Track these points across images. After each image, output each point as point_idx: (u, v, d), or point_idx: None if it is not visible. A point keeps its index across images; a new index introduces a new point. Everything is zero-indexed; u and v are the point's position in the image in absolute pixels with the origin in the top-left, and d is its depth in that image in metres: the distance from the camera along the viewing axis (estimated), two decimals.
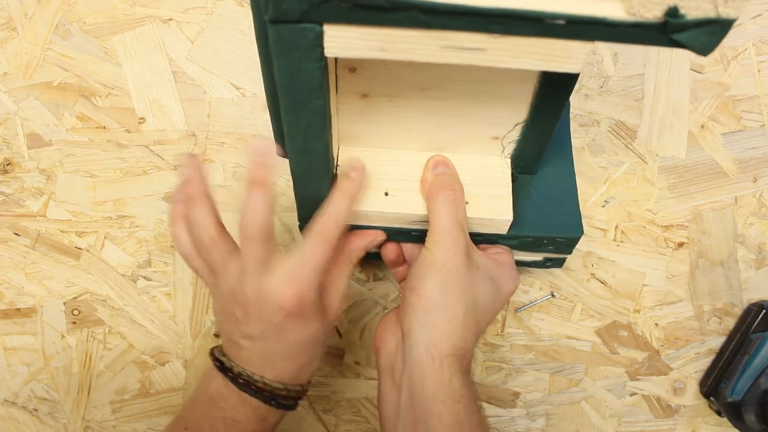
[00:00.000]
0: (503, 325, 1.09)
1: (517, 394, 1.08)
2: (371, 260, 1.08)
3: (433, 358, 0.75)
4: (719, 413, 1.07)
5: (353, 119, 0.81)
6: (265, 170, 0.72)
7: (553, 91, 0.74)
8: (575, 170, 0.92)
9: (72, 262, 1.10)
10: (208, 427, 0.81)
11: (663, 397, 1.09)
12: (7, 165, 1.13)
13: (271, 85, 0.72)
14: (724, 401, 1.04)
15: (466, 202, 0.82)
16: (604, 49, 1.22)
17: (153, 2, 1.21)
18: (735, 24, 0.49)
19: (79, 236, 1.10)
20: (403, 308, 0.81)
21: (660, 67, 1.20)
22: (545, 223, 0.88)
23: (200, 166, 0.81)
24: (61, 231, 1.11)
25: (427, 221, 0.80)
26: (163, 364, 1.07)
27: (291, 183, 0.80)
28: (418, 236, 0.84)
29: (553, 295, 1.10)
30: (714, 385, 1.07)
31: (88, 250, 1.10)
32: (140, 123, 1.14)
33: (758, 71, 1.20)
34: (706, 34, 0.50)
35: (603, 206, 1.13)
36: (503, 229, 0.86)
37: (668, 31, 0.50)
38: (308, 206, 0.81)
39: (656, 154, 1.16)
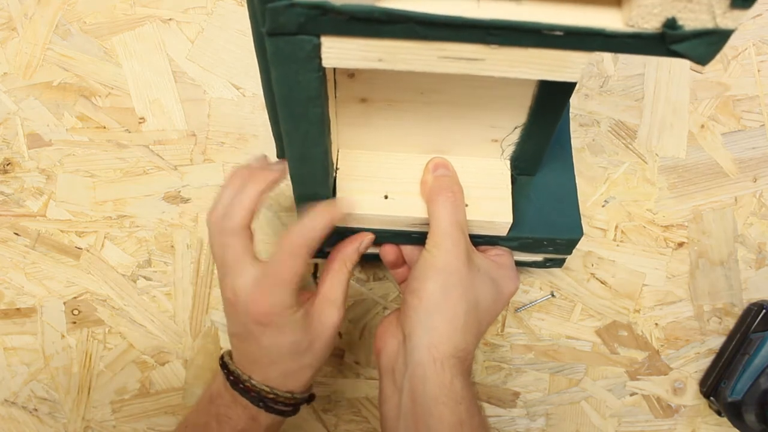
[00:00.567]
0: (503, 325, 1.09)
1: (517, 394, 1.08)
2: (371, 261, 1.08)
3: (434, 360, 0.75)
4: (719, 413, 1.07)
5: (353, 123, 0.81)
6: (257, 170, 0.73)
7: (553, 95, 0.74)
8: (575, 170, 0.92)
9: (72, 262, 1.10)
10: (203, 423, 0.82)
11: (663, 397, 1.09)
12: (7, 165, 1.13)
13: (270, 93, 0.72)
14: (724, 401, 1.04)
15: (466, 205, 0.82)
16: None
17: (153, 2, 1.21)
18: None
19: (79, 236, 1.10)
20: (403, 310, 0.81)
21: (660, 67, 1.20)
22: (545, 224, 0.88)
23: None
24: (61, 231, 1.11)
25: (428, 224, 0.80)
26: (163, 364, 1.07)
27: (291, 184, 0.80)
28: (419, 239, 0.84)
29: (553, 295, 1.10)
30: (714, 385, 1.07)
31: (88, 250, 1.10)
32: (140, 123, 1.14)
33: (758, 71, 1.20)
34: (705, 45, 0.50)
35: (603, 206, 1.13)
36: (503, 231, 0.86)
37: (666, 41, 0.50)
38: None
39: (656, 154, 1.16)
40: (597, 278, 1.11)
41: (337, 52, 0.55)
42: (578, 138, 1.15)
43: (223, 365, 0.84)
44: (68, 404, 1.06)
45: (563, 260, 0.96)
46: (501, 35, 0.52)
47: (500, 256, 0.88)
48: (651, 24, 0.49)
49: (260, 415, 0.82)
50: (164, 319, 1.08)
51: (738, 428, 1.06)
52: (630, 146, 1.16)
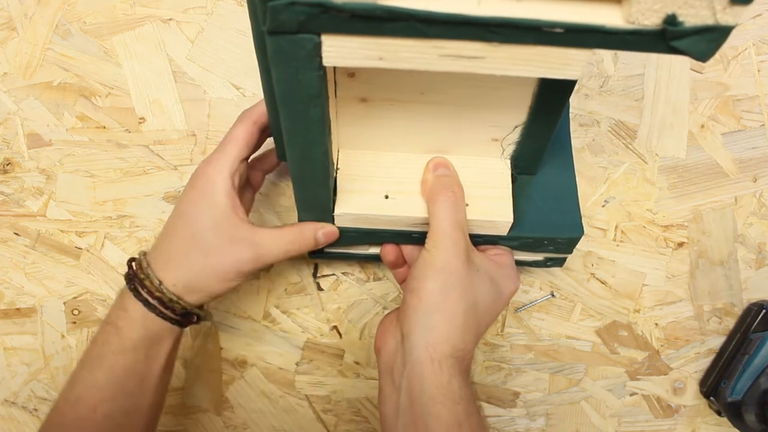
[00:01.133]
0: (503, 325, 1.10)
1: (517, 394, 1.08)
2: (371, 261, 1.09)
3: (432, 360, 0.75)
4: (719, 413, 1.08)
5: (353, 123, 0.81)
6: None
7: (553, 94, 0.74)
8: (575, 170, 0.92)
9: (72, 262, 1.10)
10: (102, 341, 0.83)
11: (663, 397, 1.09)
12: (7, 165, 1.13)
13: (270, 93, 0.72)
14: (724, 401, 1.04)
15: (467, 204, 0.82)
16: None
17: (153, 2, 1.21)
18: None
19: (79, 236, 1.10)
20: (403, 309, 0.81)
21: (660, 67, 1.20)
22: (545, 223, 0.88)
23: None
24: (61, 231, 1.11)
25: (428, 223, 0.80)
26: None
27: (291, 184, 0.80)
28: (419, 238, 0.85)
29: (553, 295, 1.10)
30: (714, 385, 1.07)
31: (88, 250, 1.10)
32: (140, 123, 1.14)
33: (758, 71, 1.20)
34: (705, 41, 0.50)
35: (603, 206, 1.13)
36: (504, 231, 0.86)
37: (667, 38, 0.50)
38: (309, 210, 0.81)
39: (656, 154, 1.16)
40: (597, 278, 1.11)
41: (338, 50, 0.55)
42: (578, 138, 1.15)
43: (130, 261, 0.85)
44: None
45: (564, 259, 0.96)
46: (501, 32, 0.52)
47: (500, 255, 0.88)
48: (651, 20, 0.49)
49: (148, 321, 0.81)
50: None
51: (738, 428, 1.06)
52: (630, 146, 1.16)
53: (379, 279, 1.09)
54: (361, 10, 0.50)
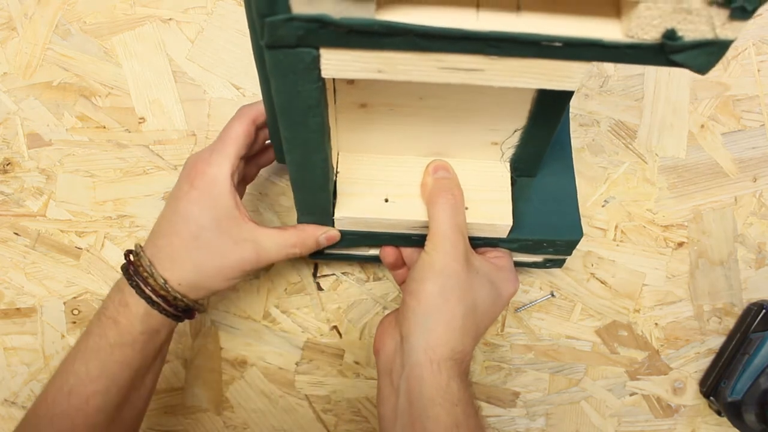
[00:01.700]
0: (503, 325, 1.10)
1: (517, 394, 1.08)
2: (371, 262, 1.09)
3: (431, 362, 0.75)
4: (719, 413, 1.08)
5: (352, 128, 0.81)
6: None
7: (553, 99, 0.74)
8: (575, 170, 0.92)
9: (72, 262, 1.10)
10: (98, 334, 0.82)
11: (663, 397, 1.09)
12: (7, 165, 1.13)
13: (270, 101, 0.72)
14: (724, 401, 1.04)
15: (466, 207, 0.83)
16: None
17: (153, 2, 1.21)
18: None
19: (79, 236, 1.10)
20: (402, 311, 0.81)
21: (660, 68, 1.20)
22: (545, 225, 0.88)
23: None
24: (61, 231, 1.11)
25: (428, 226, 0.80)
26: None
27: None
28: (419, 241, 0.85)
29: (553, 295, 1.10)
30: (714, 385, 1.07)
31: (88, 250, 1.10)
32: (140, 123, 1.14)
33: (758, 71, 1.19)
34: (704, 55, 0.50)
35: (603, 206, 1.13)
36: (503, 234, 0.86)
37: (666, 52, 0.50)
38: (309, 215, 0.81)
39: (656, 154, 1.16)
40: (597, 278, 1.11)
41: (336, 63, 0.55)
42: (578, 138, 1.15)
43: (127, 254, 0.84)
44: None
45: (563, 261, 0.96)
46: (500, 46, 0.52)
47: (499, 258, 0.88)
48: (650, 35, 0.49)
49: (150, 317, 0.81)
50: None
51: (738, 428, 1.06)
52: (630, 146, 1.16)
53: (379, 279, 1.09)
54: (359, 25, 0.50)
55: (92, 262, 1.10)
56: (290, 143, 0.69)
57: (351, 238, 0.86)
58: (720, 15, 0.46)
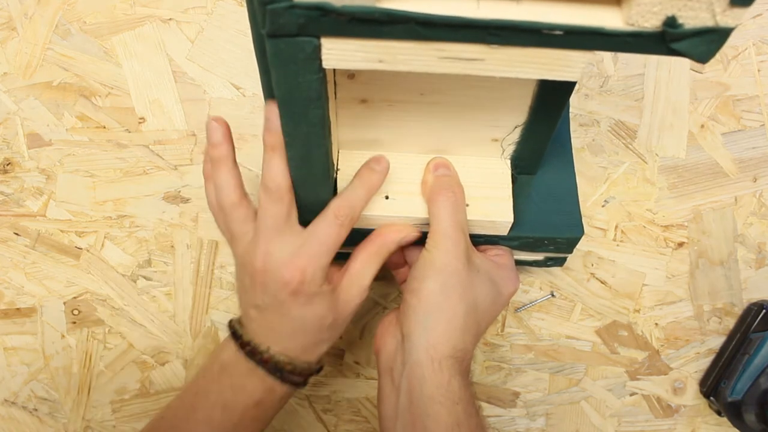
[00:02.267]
0: (503, 325, 1.10)
1: (517, 394, 1.08)
2: None
3: (432, 360, 0.75)
4: (719, 413, 1.07)
5: (353, 124, 0.81)
6: (279, 135, 0.72)
7: (553, 94, 0.74)
8: (575, 170, 0.92)
9: (72, 262, 1.10)
10: (217, 392, 0.83)
11: (663, 397, 1.09)
12: (7, 165, 1.13)
13: (270, 95, 0.72)
14: (724, 401, 1.04)
15: (467, 205, 0.82)
16: None
17: (153, 2, 1.21)
18: None
19: (79, 236, 1.11)
20: (403, 310, 0.81)
21: (660, 67, 1.20)
22: (545, 223, 0.88)
23: (226, 129, 0.81)
24: (61, 231, 1.11)
25: (429, 224, 0.80)
26: (163, 364, 1.07)
27: None
28: (419, 239, 0.84)
29: (553, 295, 1.10)
30: (714, 385, 1.07)
31: (88, 250, 1.10)
32: (140, 123, 1.14)
33: (758, 71, 1.20)
34: (705, 43, 0.50)
35: (603, 206, 1.13)
36: (504, 231, 0.86)
37: (666, 40, 0.50)
38: (309, 211, 0.81)
39: (656, 154, 1.16)
40: (597, 278, 1.11)
41: (338, 53, 0.55)
42: (578, 138, 1.15)
43: (235, 334, 0.85)
44: (68, 404, 1.06)
45: (564, 259, 0.96)
46: (501, 35, 0.52)
47: (500, 256, 0.88)
48: (651, 22, 0.49)
49: (277, 385, 0.82)
50: (164, 319, 1.08)
51: (738, 428, 1.06)
52: (630, 146, 1.16)
53: (379, 279, 1.09)
54: (360, 13, 0.50)
55: (92, 262, 1.10)
56: (291, 137, 0.69)
57: (352, 236, 0.86)
58: (720, 2, 0.46)
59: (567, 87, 0.72)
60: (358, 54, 0.55)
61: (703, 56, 0.51)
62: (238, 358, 0.83)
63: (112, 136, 1.14)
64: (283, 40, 0.53)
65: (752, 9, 1.21)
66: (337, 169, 0.85)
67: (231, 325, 0.86)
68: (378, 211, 0.83)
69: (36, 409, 1.06)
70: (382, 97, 0.76)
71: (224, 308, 1.09)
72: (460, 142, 0.84)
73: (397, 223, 0.85)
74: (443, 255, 0.77)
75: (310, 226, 0.79)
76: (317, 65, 0.57)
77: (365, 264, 0.84)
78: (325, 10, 0.49)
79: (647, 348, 1.10)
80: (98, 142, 1.14)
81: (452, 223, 0.78)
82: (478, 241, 0.88)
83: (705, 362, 1.10)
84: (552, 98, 0.74)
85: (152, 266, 1.10)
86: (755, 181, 1.15)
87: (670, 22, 0.48)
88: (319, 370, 0.89)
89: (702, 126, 1.17)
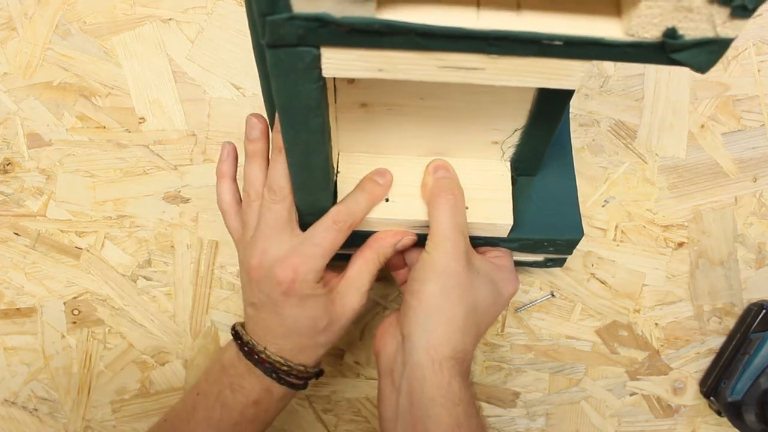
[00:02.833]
0: (503, 325, 1.10)
1: (517, 394, 1.08)
2: None
3: (432, 361, 0.75)
4: (719, 413, 1.08)
5: (353, 128, 0.81)
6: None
7: (553, 98, 0.74)
8: (575, 170, 0.92)
9: (72, 262, 1.10)
10: (216, 392, 0.84)
11: (663, 397, 1.09)
12: (7, 165, 1.13)
13: (270, 101, 0.72)
14: (724, 401, 1.04)
15: (467, 207, 0.82)
16: None
17: (153, 2, 1.21)
18: None
19: (79, 236, 1.11)
20: (403, 311, 0.81)
21: (660, 68, 1.20)
22: (545, 225, 0.88)
23: (264, 126, 0.83)
24: (61, 231, 1.11)
25: (428, 226, 0.80)
26: (163, 364, 1.07)
27: None
28: (419, 241, 0.85)
29: (553, 295, 1.10)
30: (714, 385, 1.07)
31: (88, 250, 1.10)
32: (140, 123, 1.14)
33: (758, 71, 1.20)
34: (705, 53, 0.50)
35: (603, 206, 1.13)
36: (504, 233, 0.86)
37: (666, 50, 0.50)
38: (310, 215, 0.81)
39: (656, 154, 1.16)
40: (597, 278, 1.11)
41: (337, 62, 0.55)
42: (578, 138, 1.15)
43: (236, 335, 0.86)
44: (68, 404, 1.06)
45: (564, 260, 0.96)
46: (501, 45, 0.52)
47: (499, 257, 0.88)
48: (651, 33, 0.49)
49: (274, 386, 0.83)
50: (164, 319, 1.08)
51: (738, 428, 1.06)
52: (630, 146, 1.16)
53: (379, 279, 1.09)
54: (359, 24, 0.49)
55: (92, 262, 1.10)
56: (291, 144, 0.69)
57: (352, 238, 0.86)
58: (721, 13, 0.46)
59: (567, 92, 0.72)
60: (358, 63, 0.55)
61: (703, 66, 0.51)
62: (237, 357, 0.84)
63: (112, 136, 1.14)
64: (283, 50, 0.53)
65: None
66: (338, 172, 0.85)
67: (234, 327, 0.87)
68: (378, 213, 0.83)
69: (36, 409, 1.06)
70: (382, 102, 0.76)
71: (224, 308, 1.09)
72: (460, 145, 0.84)
73: (395, 227, 0.85)
74: (443, 257, 0.77)
75: (309, 230, 0.80)
76: (317, 74, 0.56)
77: (362, 269, 0.85)
78: (324, 21, 0.49)
79: (647, 348, 1.10)
80: (98, 142, 1.14)
81: (452, 225, 0.78)
82: (478, 242, 0.88)
83: (705, 362, 1.10)
84: (552, 102, 0.74)
85: (152, 266, 1.10)
86: (755, 181, 1.15)
87: (671, 33, 0.48)
88: (318, 375, 0.90)
89: (702, 126, 1.17)
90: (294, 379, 0.84)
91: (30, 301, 1.09)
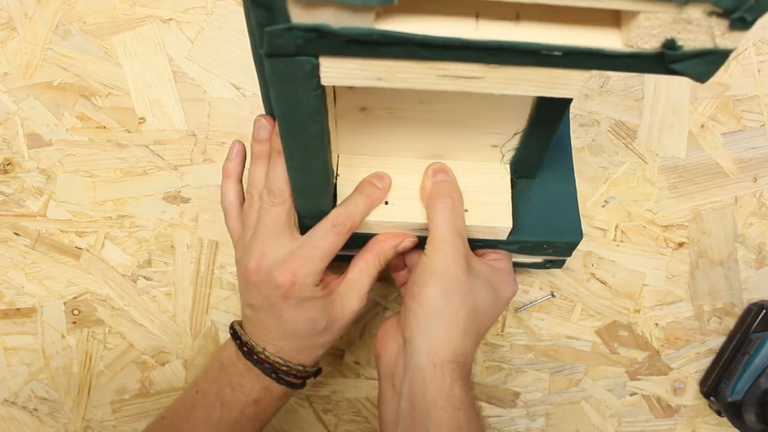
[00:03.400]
0: (503, 325, 1.10)
1: (517, 394, 1.08)
2: None
3: (434, 365, 0.75)
4: (719, 413, 1.08)
5: (353, 131, 0.81)
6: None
7: (553, 103, 0.73)
8: (575, 170, 0.92)
9: (72, 262, 1.10)
10: (216, 390, 0.84)
11: (663, 397, 1.09)
12: (7, 165, 1.13)
13: (270, 105, 0.72)
14: (724, 401, 1.04)
15: (466, 210, 0.83)
16: None
17: (153, 2, 1.21)
18: None
19: (79, 236, 1.11)
20: (404, 314, 0.81)
21: None
22: (545, 227, 0.88)
23: (272, 128, 0.83)
24: (61, 231, 1.11)
25: (428, 229, 0.80)
26: (163, 364, 1.07)
27: None
28: (419, 243, 0.85)
29: (553, 295, 1.10)
30: (714, 385, 1.07)
31: (88, 250, 1.10)
32: (140, 123, 1.14)
33: (758, 71, 1.19)
34: (704, 64, 0.50)
35: (603, 206, 1.13)
36: (503, 236, 0.86)
37: (665, 61, 0.50)
38: (309, 218, 0.81)
39: (656, 154, 1.16)
40: (597, 278, 1.11)
41: (336, 71, 0.55)
42: (578, 138, 1.15)
43: (234, 334, 0.86)
44: (68, 404, 1.06)
45: (563, 261, 0.97)
46: (500, 55, 0.52)
47: (498, 260, 0.89)
48: (650, 44, 0.49)
49: (273, 385, 0.84)
50: (164, 319, 1.08)
51: (738, 428, 1.06)
52: (630, 146, 1.16)
53: (380, 279, 1.09)
54: (358, 35, 0.49)
55: (92, 262, 1.10)
56: (290, 149, 0.69)
57: (351, 240, 0.86)
58: (720, 25, 0.46)
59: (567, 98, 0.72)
60: (357, 72, 0.55)
61: (702, 76, 0.51)
62: (236, 356, 0.84)
63: (112, 136, 1.14)
64: (282, 59, 0.53)
65: None
66: (337, 175, 0.85)
67: (232, 326, 0.87)
68: (377, 216, 0.83)
69: (36, 409, 1.06)
70: (381, 106, 0.76)
71: (224, 308, 1.09)
72: (459, 148, 0.84)
73: (394, 230, 0.85)
74: (442, 260, 0.78)
75: (308, 233, 0.80)
76: (315, 83, 0.56)
77: (363, 271, 0.85)
78: (323, 32, 0.49)
79: (647, 348, 1.10)
80: (98, 142, 1.14)
81: (450, 228, 0.78)
82: (477, 245, 0.88)
83: (705, 362, 1.10)
84: (552, 107, 0.74)
85: (152, 266, 1.10)
86: (755, 181, 1.15)
87: (669, 45, 0.48)
88: (317, 373, 0.90)
89: (702, 126, 1.17)
90: (293, 378, 0.85)
91: (30, 301, 1.09)
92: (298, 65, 0.54)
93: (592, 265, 1.11)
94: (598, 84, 1.19)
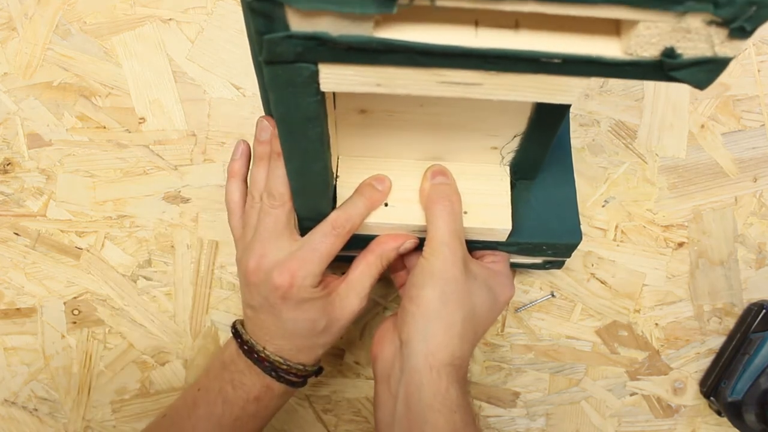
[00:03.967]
0: (503, 325, 1.10)
1: (517, 394, 1.08)
2: None
3: (431, 368, 0.76)
4: (719, 413, 1.08)
5: (352, 133, 0.81)
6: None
7: (553, 106, 0.73)
8: (575, 170, 0.92)
9: (72, 262, 1.10)
10: (218, 388, 0.85)
11: (663, 397, 1.09)
12: (7, 165, 1.13)
13: (269, 108, 0.72)
14: (724, 401, 1.04)
15: (465, 212, 0.83)
16: None
17: (153, 2, 1.21)
18: None
19: (79, 236, 1.11)
20: (401, 316, 0.81)
21: None
22: (544, 229, 0.88)
23: (274, 130, 0.82)
24: (61, 231, 1.11)
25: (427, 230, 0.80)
26: (163, 364, 1.08)
27: None
28: (421, 244, 0.85)
29: (553, 295, 1.10)
30: (714, 385, 1.07)
31: (88, 250, 1.10)
32: (140, 123, 1.14)
33: (758, 71, 1.19)
34: (703, 72, 0.50)
35: (603, 206, 1.13)
36: (502, 238, 0.86)
37: (665, 69, 0.50)
38: (309, 220, 0.81)
39: (656, 154, 1.16)
40: (597, 278, 1.11)
41: (335, 78, 0.55)
42: (578, 138, 1.15)
43: (236, 333, 0.87)
44: (68, 404, 1.06)
45: (562, 262, 0.97)
46: (499, 63, 0.52)
47: (496, 263, 0.89)
48: (649, 52, 0.49)
49: (274, 384, 0.84)
50: (164, 319, 1.08)
51: (738, 428, 1.06)
52: (630, 146, 1.16)
53: (379, 279, 1.09)
54: (357, 43, 0.49)
55: (92, 262, 1.10)
56: (290, 152, 0.69)
57: (351, 242, 0.86)
58: (719, 34, 0.46)
59: None
60: (356, 79, 0.55)
61: (701, 83, 0.51)
62: (238, 355, 0.85)
63: (112, 136, 1.14)
64: (281, 66, 0.53)
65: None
66: (337, 176, 0.85)
67: (234, 325, 0.88)
68: (377, 218, 0.83)
69: (36, 409, 1.06)
70: (381, 108, 0.76)
71: (224, 308, 1.09)
72: (458, 150, 0.84)
73: (394, 232, 0.85)
74: (441, 263, 0.78)
75: (308, 235, 0.81)
76: (315, 89, 0.56)
77: (364, 272, 0.85)
78: (322, 40, 0.49)
79: (647, 348, 1.10)
80: (98, 142, 1.14)
81: (449, 231, 0.78)
82: (477, 246, 0.89)
83: (705, 362, 1.10)
84: (552, 110, 0.74)
85: (152, 266, 1.10)
86: (755, 181, 1.15)
87: (669, 53, 0.48)
88: (318, 372, 0.91)
89: (702, 126, 1.17)
90: (293, 377, 0.85)
91: (30, 301, 1.09)
92: (297, 72, 0.54)
93: (592, 265, 1.11)
94: (598, 84, 1.18)
